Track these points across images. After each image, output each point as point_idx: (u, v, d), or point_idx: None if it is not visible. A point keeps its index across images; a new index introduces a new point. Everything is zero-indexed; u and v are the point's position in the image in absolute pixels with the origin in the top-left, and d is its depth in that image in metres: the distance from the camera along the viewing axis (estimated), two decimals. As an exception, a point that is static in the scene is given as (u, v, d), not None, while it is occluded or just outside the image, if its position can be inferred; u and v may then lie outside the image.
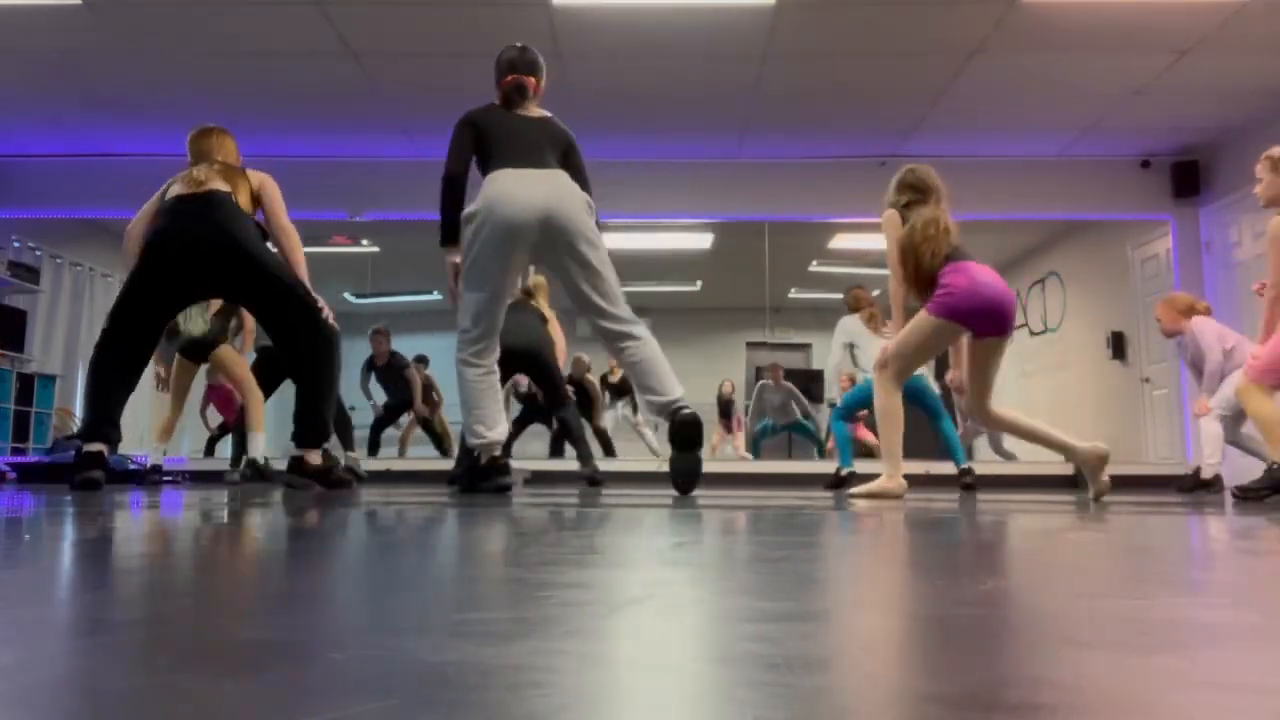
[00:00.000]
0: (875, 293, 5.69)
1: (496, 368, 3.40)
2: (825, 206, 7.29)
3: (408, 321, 8.26)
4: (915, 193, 3.48)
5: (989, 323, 3.29)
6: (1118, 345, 7.70)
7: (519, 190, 3.18)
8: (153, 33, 5.20)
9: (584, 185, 3.35)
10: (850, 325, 5.40)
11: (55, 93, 6.02)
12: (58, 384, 7.36)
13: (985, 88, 5.89)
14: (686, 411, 3.21)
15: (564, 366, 5.43)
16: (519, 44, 3.53)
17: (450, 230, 3.29)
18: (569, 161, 3.39)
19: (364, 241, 8.64)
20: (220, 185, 3.43)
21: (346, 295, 9.01)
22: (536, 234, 3.19)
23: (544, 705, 0.41)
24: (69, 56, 5.50)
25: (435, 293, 9.20)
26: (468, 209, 3.26)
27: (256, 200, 3.53)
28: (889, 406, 3.44)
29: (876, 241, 8.83)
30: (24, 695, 0.43)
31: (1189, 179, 6.98)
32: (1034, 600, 0.76)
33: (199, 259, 3.32)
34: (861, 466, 5.29)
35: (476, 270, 3.24)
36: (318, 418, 3.45)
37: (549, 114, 3.47)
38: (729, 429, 8.42)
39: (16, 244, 7.30)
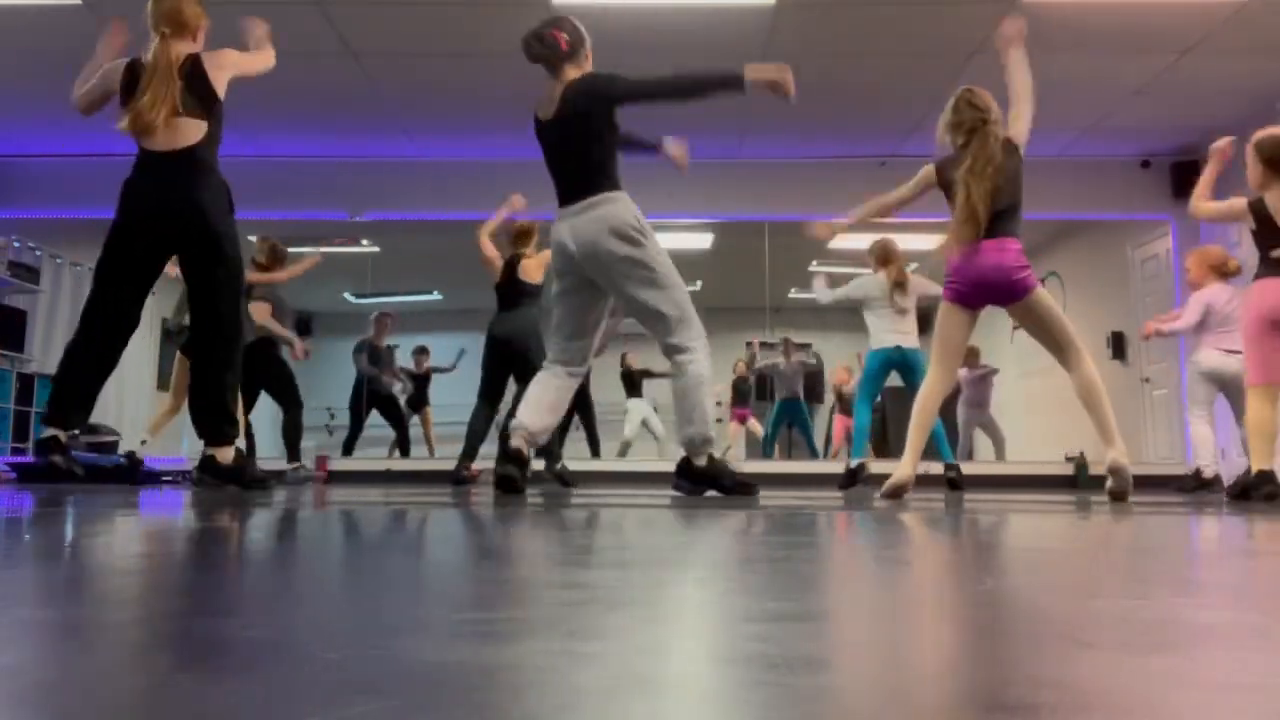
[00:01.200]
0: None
1: (569, 377, 3.29)
2: (825, 206, 7.25)
3: (407, 321, 8.27)
4: (977, 115, 3.55)
5: (986, 295, 3.31)
6: (1118, 345, 7.70)
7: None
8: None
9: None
10: (869, 286, 5.13)
11: (55, 93, 6.01)
12: (57, 384, 7.35)
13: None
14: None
15: None
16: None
17: None
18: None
19: (364, 241, 8.65)
20: (193, 135, 3.32)
21: (346, 295, 9.01)
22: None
23: (544, 705, 0.41)
24: (69, 56, 5.49)
25: (435, 292, 9.21)
26: None
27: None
28: (931, 402, 3.40)
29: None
30: (24, 695, 0.43)
31: (1189, 179, 6.95)
32: (1033, 600, 0.76)
33: (166, 231, 3.27)
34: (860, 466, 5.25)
35: None
36: (224, 410, 3.31)
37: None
38: (744, 419, 8.33)
39: (16, 244, 7.30)
